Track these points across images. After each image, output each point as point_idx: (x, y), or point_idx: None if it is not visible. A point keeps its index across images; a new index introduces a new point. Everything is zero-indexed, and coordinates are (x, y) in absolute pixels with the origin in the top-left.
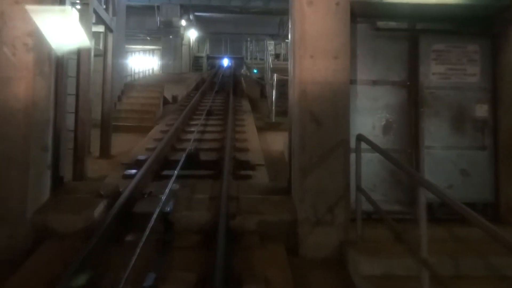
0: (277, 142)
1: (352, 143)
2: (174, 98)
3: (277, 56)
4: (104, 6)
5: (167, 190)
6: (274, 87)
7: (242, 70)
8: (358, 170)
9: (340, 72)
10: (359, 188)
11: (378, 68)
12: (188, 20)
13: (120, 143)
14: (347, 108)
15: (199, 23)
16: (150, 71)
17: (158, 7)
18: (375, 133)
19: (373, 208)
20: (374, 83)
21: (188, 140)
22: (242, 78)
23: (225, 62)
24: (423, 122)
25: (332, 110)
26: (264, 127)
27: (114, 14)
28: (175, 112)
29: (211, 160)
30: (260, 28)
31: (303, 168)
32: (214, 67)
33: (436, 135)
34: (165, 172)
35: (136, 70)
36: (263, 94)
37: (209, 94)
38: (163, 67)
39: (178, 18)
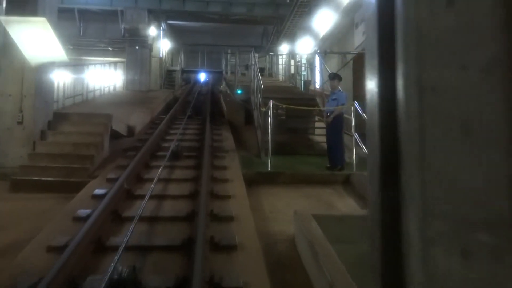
0: (280, 213)
1: None
2: (131, 130)
3: (260, 70)
4: None
5: None
6: (270, 115)
7: (221, 86)
8: None
9: None
10: None
11: None
12: (159, 28)
13: (20, 220)
14: None
15: (173, 32)
16: (111, 88)
17: (121, 12)
18: None
19: None
20: None
21: (130, 220)
22: (222, 97)
23: (202, 76)
24: None
25: None
26: (256, 180)
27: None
28: (125, 156)
29: None
30: (241, 39)
31: None
32: (189, 83)
33: None
34: None
35: (93, 88)
36: (249, 120)
37: (180, 120)
38: (128, 83)
39: (146, 25)
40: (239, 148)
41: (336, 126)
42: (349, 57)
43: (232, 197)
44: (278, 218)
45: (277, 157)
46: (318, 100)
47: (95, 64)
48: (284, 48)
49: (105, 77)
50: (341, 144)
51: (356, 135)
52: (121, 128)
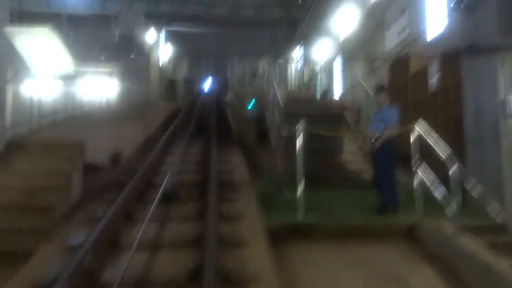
0: None
1: None
2: (115, 159)
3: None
4: None
5: None
6: (300, 141)
7: (228, 97)
8: None
9: None
10: None
11: None
12: (158, 34)
13: None
14: None
15: (174, 39)
16: (104, 101)
17: (115, 17)
18: None
19: None
20: None
21: None
22: (229, 110)
23: (207, 86)
24: None
25: None
26: (283, 235)
27: None
28: (102, 199)
29: None
30: (247, 46)
31: None
32: (192, 93)
33: None
34: None
35: (80, 102)
36: (261, 137)
37: (179, 140)
38: (123, 95)
39: (142, 31)
40: (254, 177)
41: (386, 154)
42: (378, 63)
43: (254, 279)
44: None
45: (304, 191)
46: (346, 115)
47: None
48: (296, 54)
49: (97, 89)
50: (393, 178)
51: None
52: (101, 159)
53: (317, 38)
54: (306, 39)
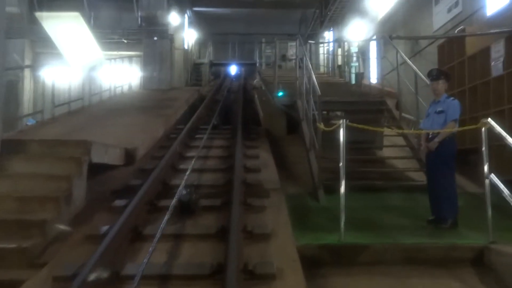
0: None
1: None
2: (130, 156)
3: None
4: None
5: None
6: (342, 141)
7: (255, 81)
8: None
9: None
10: None
11: None
12: (182, 15)
13: None
14: None
15: (200, 21)
16: (125, 87)
17: None
18: None
19: None
20: None
21: None
22: (256, 95)
23: (233, 69)
24: None
25: None
26: (321, 259)
27: None
28: (110, 207)
29: None
30: (276, 27)
31: None
32: (219, 77)
33: None
34: None
35: (100, 89)
36: (292, 128)
37: (201, 132)
38: (146, 81)
39: (165, 12)
40: (284, 176)
41: (445, 156)
42: (423, 44)
43: None
44: None
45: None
46: (388, 102)
47: (110, 59)
48: (328, 35)
49: (118, 74)
50: (452, 184)
51: (493, 178)
52: (112, 157)
53: (352, 16)
54: (339, 19)
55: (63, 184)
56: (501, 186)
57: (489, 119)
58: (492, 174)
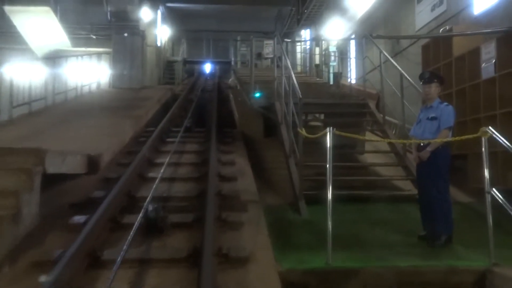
0: None
1: None
2: (93, 163)
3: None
4: None
5: None
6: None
7: (230, 80)
8: None
9: None
10: None
11: None
12: (155, 11)
13: None
14: None
15: (173, 17)
16: (93, 86)
17: None
18: None
19: None
20: None
21: None
22: (231, 95)
23: (207, 68)
24: None
25: None
26: (304, 285)
27: None
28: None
29: None
30: (251, 24)
31: None
32: (193, 75)
33: None
34: None
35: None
36: (269, 131)
37: (173, 136)
38: (115, 79)
39: (137, 7)
40: (262, 184)
41: (438, 167)
42: (405, 44)
43: None
44: None
45: (325, 207)
46: (371, 105)
47: (71, 56)
48: (304, 33)
49: (86, 72)
50: (446, 198)
51: (494, 192)
52: (71, 166)
53: (330, 14)
54: (317, 16)
55: (10, 201)
56: (504, 202)
57: (490, 127)
58: (494, 189)
